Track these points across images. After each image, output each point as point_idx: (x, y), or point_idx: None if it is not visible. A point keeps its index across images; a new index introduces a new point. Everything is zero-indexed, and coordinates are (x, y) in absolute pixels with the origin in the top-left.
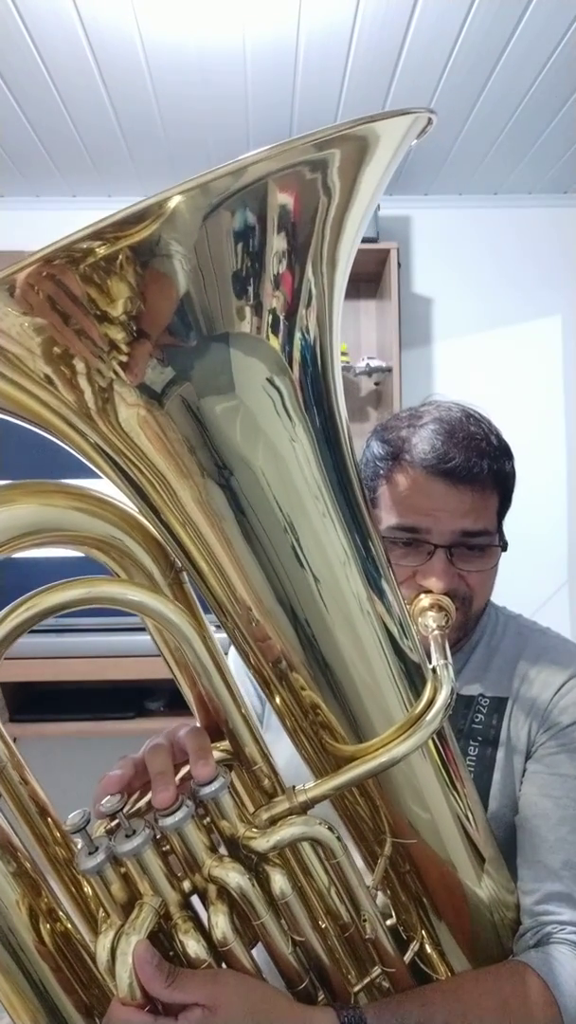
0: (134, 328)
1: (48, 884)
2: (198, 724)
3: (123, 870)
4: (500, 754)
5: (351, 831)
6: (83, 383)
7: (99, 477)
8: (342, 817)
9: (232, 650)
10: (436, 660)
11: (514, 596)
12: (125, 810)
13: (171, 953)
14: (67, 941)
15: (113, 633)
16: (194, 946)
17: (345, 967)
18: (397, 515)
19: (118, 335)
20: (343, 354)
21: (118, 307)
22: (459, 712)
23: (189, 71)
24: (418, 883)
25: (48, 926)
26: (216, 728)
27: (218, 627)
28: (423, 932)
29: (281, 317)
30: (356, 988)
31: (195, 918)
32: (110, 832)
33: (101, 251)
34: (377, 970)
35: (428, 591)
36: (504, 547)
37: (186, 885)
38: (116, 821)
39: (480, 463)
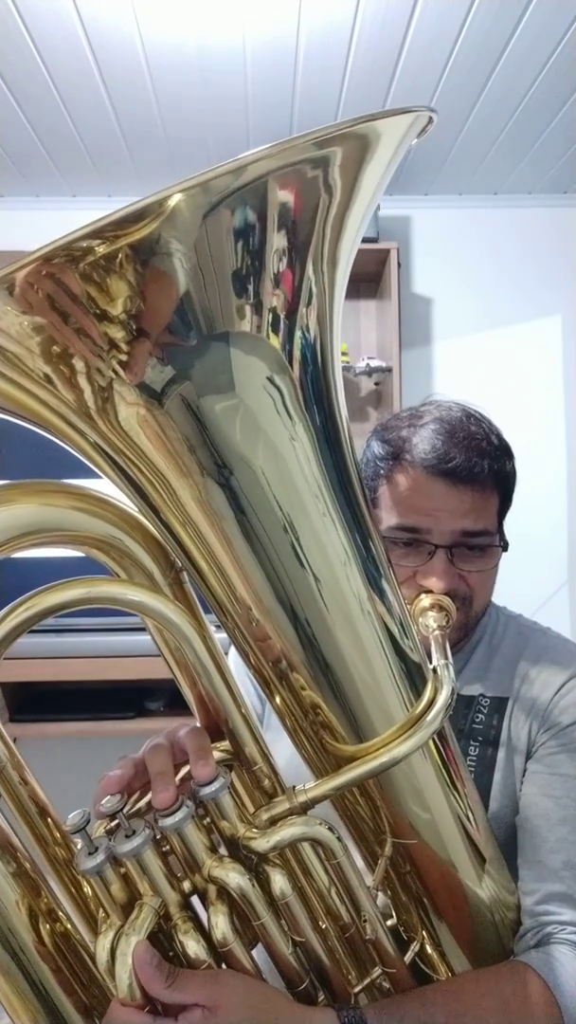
0: (134, 327)
1: (48, 884)
2: (198, 724)
3: (123, 870)
4: (500, 754)
5: (351, 831)
6: (83, 382)
7: (99, 477)
8: (342, 817)
9: (232, 650)
10: (437, 660)
11: (514, 596)
12: (125, 810)
13: (171, 954)
14: (67, 941)
15: (113, 633)
16: (194, 946)
17: (345, 968)
18: (397, 515)
19: (118, 334)
20: (343, 354)
21: (118, 306)
22: (459, 712)
23: (189, 71)
24: (419, 883)
25: (48, 926)
26: (216, 728)
27: (218, 627)
28: (424, 932)
29: (281, 316)
30: (356, 989)
31: (195, 918)
32: (110, 832)
33: (101, 250)
34: (377, 971)
35: (429, 591)
36: (505, 547)
37: (186, 885)
38: (116, 821)
39: (481, 463)
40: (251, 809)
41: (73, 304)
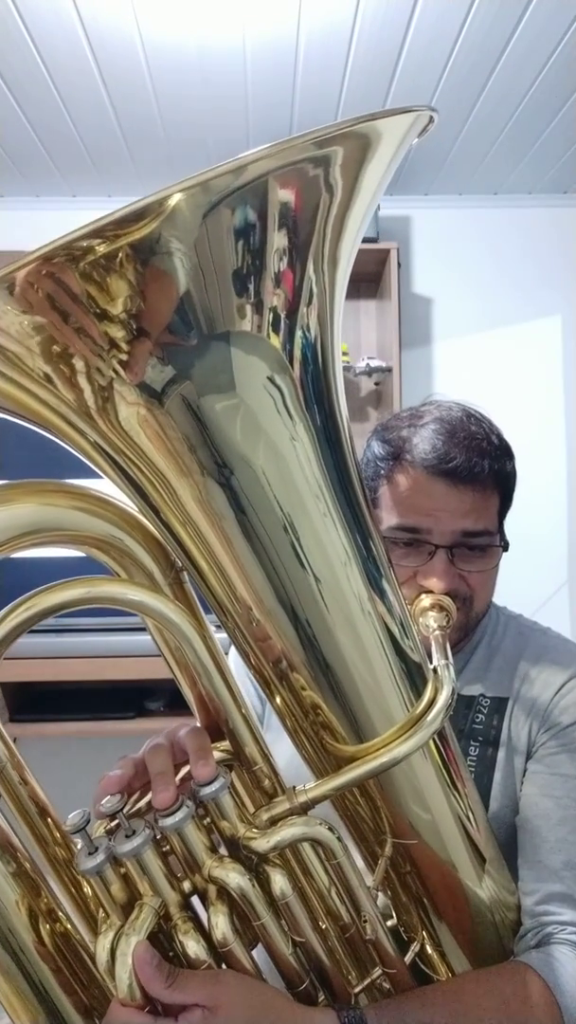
0: (134, 326)
1: (48, 884)
2: (198, 724)
3: (123, 870)
4: (501, 754)
5: (351, 832)
6: (83, 382)
7: (100, 477)
8: (343, 818)
9: (232, 650)
10: (437, 660)
11: (514, 596)
12: (125, 810)
13: (171, 954)
14: (67, 942)
15: (113, 633)
16: (194, 947)
17: (346, 968)
18: (398, 515)
19: (118, 333)
20: (343, 354)
21: (118, 305)
22: (460, 712)
23: (189, 71)
24: (419, 884)
25: (48, 926)
26: (216, 728)
27: (218, 627)
28: (424, 933)
29: (282, 315)
30: (357, 989)
31: (195, 919)
32: (110, 832)
33: (101, 249)
34: (378, 971)
35: (429, 591)
36: (505, 547)
37: (186, 885)
38: (116, 821)
39: (481, 463)
40: (251, 809)
41: (73, 303)
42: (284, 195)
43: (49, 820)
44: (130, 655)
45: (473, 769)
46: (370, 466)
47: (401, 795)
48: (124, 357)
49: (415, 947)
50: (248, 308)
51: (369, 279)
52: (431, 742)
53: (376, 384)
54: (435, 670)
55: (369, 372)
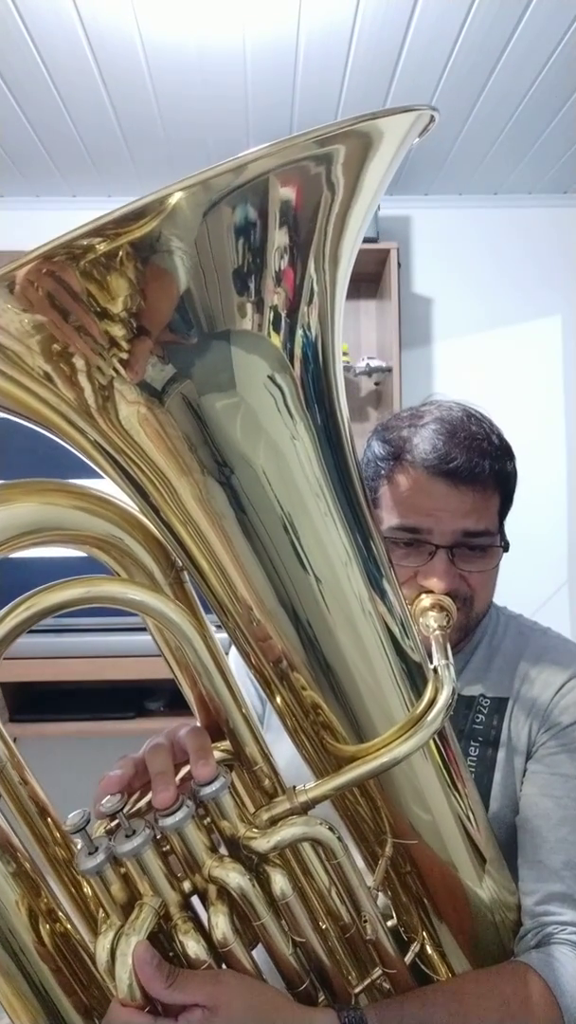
0: (134, 325)
1: (48, 884)
2: (198, 724)
3: (123, 870)
4: (501, 755)
5: (352, 832)
6: (83, 380)
7: (100, 477)
8: (343, 818)
9: (233, 650)
10: (437, 660)
11: (514, 596)
12: (125, 810)
13: (171, 954)
14: (66, 942)
15: (113, 633)
16: (194, 947)
17: (346, 968)
18: (398, 515)
19: (118, 332)
20: (343, 354)
21: (118, 304)
22: (460, 712)
23: (189, 71)
24: (419, 884)
25: (48, 926)
26: (216, 728)
27: (219, 627)
28: (424, 933)
29: (283, 314)
30: (357, 989)
31: (195, 919)
32: (110, 832)
33: (101, 247)
34: (378, 971)
35: (429, 591)
36: (506, 547)
37: (186, 885)
38: (116, 821)
39: (482, 463)
40: (251, 809)
41: (74, 302)
42: (285, 193)
43: (49, 820)
44: (130, 655)
45: (473, 769)
46: (370, 466)
47: (401, 795)
48: (124, 356)
49: (415, 947)
50: (249, 307)
51: (369, 279)
52: (431, 742)
53: (376, 384)
54: (435, 670)
55: (369, 372)
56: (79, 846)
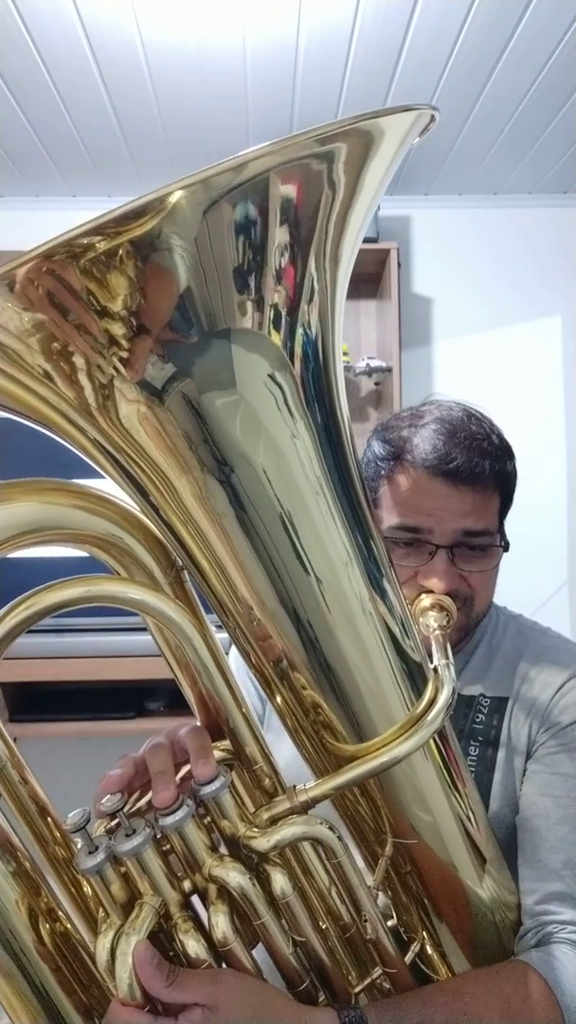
0: (134, 323)
1: (48, 884)
2: (199, 723)
3: (123, 870)
4: (500, 754)
5: (352, 832)
6: (83, 379)
7: (100, 477)
8: (343, 817)
9: (233, 649)
10: (437, 660)
11: (514, 596)
12: (125, 809)
13: (171, 953)
14: (66, 941)
15: (113, 633)
16: (194, 946)
17: (346, 968)
18: (398, 515)
19: (118, 330)
20: (343, 354)
21: (118, 302)
22: (460, 712)
23: (189, 71)
24: (419, 884)
25: (47, 926)
26: (217, 727)
27: (219, 627)
28: (424, 933)
29: (283, 313)
30: (357, 989)
31: (195, 918)
32: (110, 831)
33: (102, 246)
34: (378, 971)
35: (429, 591)
36: (506, 547)
37: (186, 885)
38: (116, 820)
39: (482, 463)
40: (252, 808)
41: (74, 300)
42: (286, 192)
43: (49, 819)
44: (130, 655)
45: (473, 769)
46: (370, 466)
47: (402, 795)
48: (124, 354)
49: (415, 947)
50: (249, 305)
51: (369, 279)
52: (432, 742)
53: (376, 384)
54: (435, 670)
55: (369, 372)
56: (79, 845)
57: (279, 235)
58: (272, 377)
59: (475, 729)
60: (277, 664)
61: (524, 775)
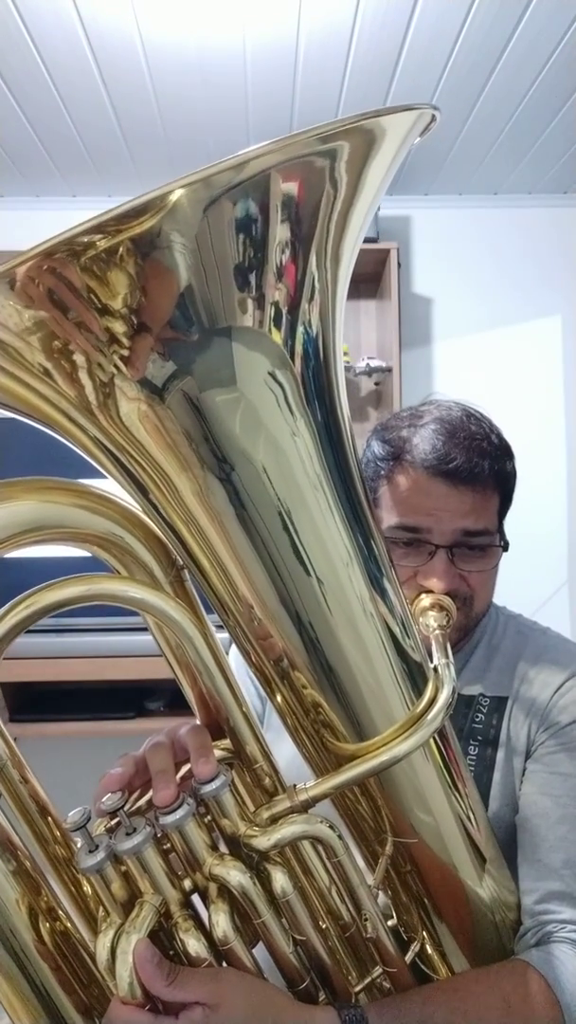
0: (135, 321)
1: (48, 883)
2: (199, 722)
3: (123, 868)
4: (500, 754)
5: (352, 831)
6: (84, 377)
7: (102, 477)
8: (343, 817)
9: (233, 648)
10: (437, 659)
11: (514, 596)
12: (126, 808)
13: (171, 952)
14: (66, 940)
15: (113, 633)
16: (195, 945)
17: (346, 967)
18: (398, 515)
19: (119, 328)
20: (343, 354)
21: (119, 300)
22: (459, 712)
23: (189, 71)
24: (419, 883)
25: (48, 925)
26: (217, 726)
27: (219, 627)
28: (424, 933)
29: (284, 311)
30: (357, 988)
31: (196, 917)
32: (110, 830)
33: (102, 244)
34: (378, 970)
35: (429, 591)
36: (505, 547)
37: (187, 883)
38: (117, 819)
39: (481, 463)
40: (252, 807)
41: (75, 298)
42: (288, 190)
43: (49, 819)
44: (130, 655)
45: (472, 769)
46: (370, 466)
47: (402, 794)
48: (125, 352)
49: (415, 947)
50: (250, 303)
51: (369, 279)
52: (432, 741)
53: (376, 384)
54: (435, 669)
55: (369, 372)
56: (79, 844)
57: (280, 233)
58: (272, 375)
59: (475, 729)
60: (277, 663)
61: (523, 775)
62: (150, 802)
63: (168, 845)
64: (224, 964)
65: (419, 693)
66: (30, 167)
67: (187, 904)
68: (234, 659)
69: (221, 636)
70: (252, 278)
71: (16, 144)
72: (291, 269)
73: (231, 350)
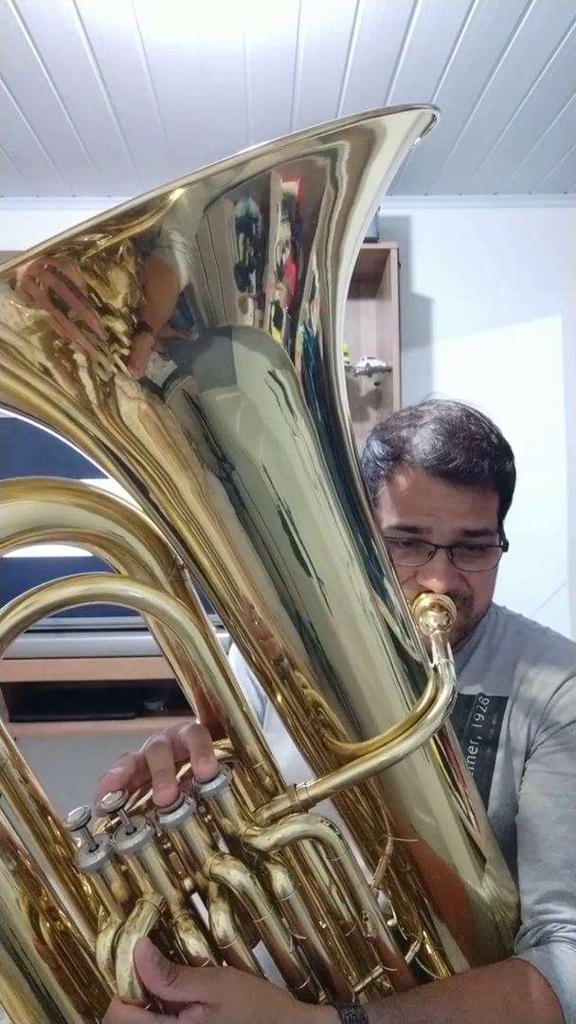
0: (135, 321)
1: (48, 882)
2: (199, 722)
3: (124, 868)
4: (500, 754)
5: (352, 831)
6: (84, 376)
7: (102, 477)
8: (343, 817)
9: (233, 648)
10: (437, 659)
11: (514, 596)
12: (126, 807)
13: (172, 952)
14: (67, 940)
15: (113, 633)
16: (195, 944)
17: (346, 967)
18: (398, 515)
19: (119, 328)
20: (343, 354)
21: (119, 300)
22: (459, 712)
23: (189, 71)
24: (419, 883)
25: (48, 925)
26: (217, 726)
27: (219, 627)
28: (424, 933)
29: (284, 310)
30: (357, 988)
31: (196, 916)
32: (111, 830)
33: (103, 243)
34: (378, 970)
35: (429, 591)
36: (505, 547)
37: (187, 883)
38: (117, 819)
39: (481, 463)
40: (252, 807)
41: (75, 298)
42: (288, 189)
43: (49, 818)
44: (130, 655)
45: (472, 769)
46: (370, 466)
47: (402, 794)
48: (125, 352)
49: (415, 947)
50: (250, 302)
51: (369, 279)
52: (432, 741)
53: (376, 384)
54: (436, 669)
55: (369, 372)
56: (80, 844)
57: (280, 233)
58: (273, 374)
59: (474, 729)
60: (278, 663)
61: (523, 774)
62: (150, 802)
63: (168, 845)
64: (224, 964)
65: (419, 693)
66: (30, 167)
67: (187, 904)
68: (234, 659)
69: (221, 636)
70: (252, 277)
71: (16, 144)
72: (291, 269)
73: (231, 349)
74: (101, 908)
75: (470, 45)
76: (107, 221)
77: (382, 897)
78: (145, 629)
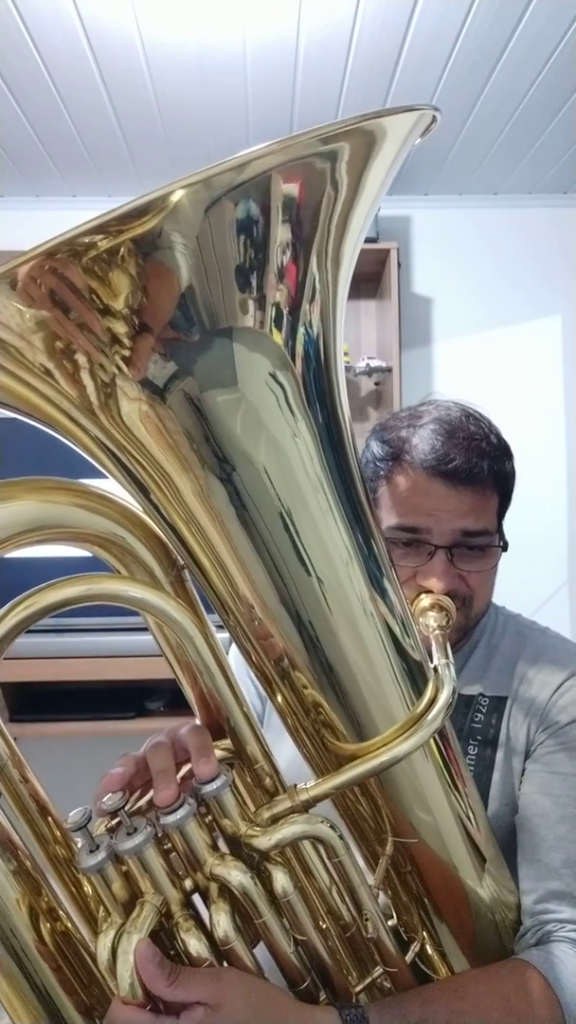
0: (136, 322)
1: (48, 883)
2: (199, 722)
3: (124, 868)
4: (499, 754)
5: (352, 831)
6: (85, 377)
7: (103, 477)
8: (343, 817)
9: (233, 648)
10: (437, 659)
11: (514, 596)
12: (126, 808)
13: (172, 952)
14: (67, 940)
15: (113, 633)
16: (196, 945)
17: (347, 967)
18: (397, 515)
19: (120, 329)
20: (344, 354)
21: (120, 301)
22: (459, 712)
23: (189, 71)
24: (419, 883)
25: (48, 925)
26: (217, 726)
27: (219, 627)
28: (424, 933)
29: (285, 312)
30: (358, 988)
31: (196, 916)
32: (111, 830)
33: (104, 244)
34: (379, 970)
35: (428, 591)
36: (504, 547)
37: (187, 883)
38: (117, 819)
39: (480, 463)
40: (252, 807)
41: (76, 299)
42: (289, 191)
43: (50, 819)
44: (130, 655)
45: (472, 769)
46: (369, 466)
47: (402, 794)
48: (126, 353)
49: (415, 947)
50: (251, 304)
51: (369, 279)
52: (432, 741)
53: (376, 384)
54: (436, 669)
55: (369, 372)
56: (80, 844)
57: (281, 234)
58: (273, 376)
59: (474, 729)
60: (278, 663)
61: (523, 774)
62: (151, 802)
63: (169, 845)
64: (225, 964)
65: (419, 693)
66: (30, 167)
67: (188, 904)
68: (234, 659)
69: (221, 636)
70: (253, 279)
71: (16, 144)
72: (292, 270)
73: (232, 351)
74: (102, 908)
75: (470, 45)
76: (108, 222)
77: (382, 897)
78: (145, 629)
